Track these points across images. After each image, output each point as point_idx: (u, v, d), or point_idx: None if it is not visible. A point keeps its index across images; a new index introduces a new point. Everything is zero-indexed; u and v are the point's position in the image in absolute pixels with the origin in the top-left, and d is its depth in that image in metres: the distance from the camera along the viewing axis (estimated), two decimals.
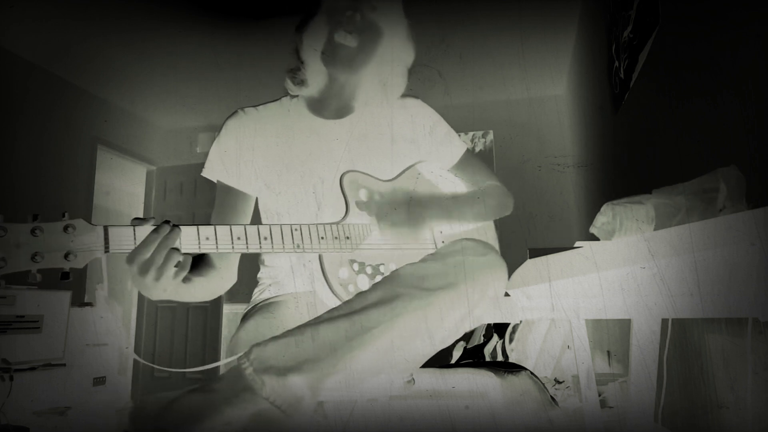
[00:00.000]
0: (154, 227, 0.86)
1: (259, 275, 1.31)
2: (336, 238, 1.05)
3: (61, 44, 3.88)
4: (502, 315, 1.10)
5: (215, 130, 1.26)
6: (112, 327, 3.93)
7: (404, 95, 1.31)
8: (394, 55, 1.23)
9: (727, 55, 1.30)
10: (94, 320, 3.72)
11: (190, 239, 0.89)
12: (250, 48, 3.90)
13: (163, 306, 5.03)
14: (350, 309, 0.89)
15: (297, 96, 1.29)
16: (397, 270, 0.96)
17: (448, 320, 0.91)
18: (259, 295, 1.28)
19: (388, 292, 0.90)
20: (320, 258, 1.05)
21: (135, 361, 5.06)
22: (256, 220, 1.29)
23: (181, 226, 0.88)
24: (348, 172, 1.16)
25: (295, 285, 1.23)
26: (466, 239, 1.02)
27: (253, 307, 1.25)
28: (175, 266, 0.89)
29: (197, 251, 0.90)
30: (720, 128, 1.35)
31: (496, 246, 1.30)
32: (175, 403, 0.80)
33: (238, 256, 1.24)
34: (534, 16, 3.55)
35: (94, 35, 3.78)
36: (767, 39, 1.09)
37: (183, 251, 0.88)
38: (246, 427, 0.78)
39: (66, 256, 0.78)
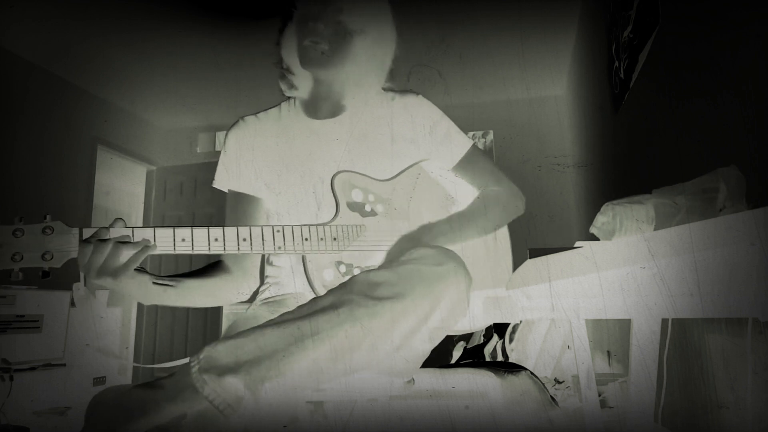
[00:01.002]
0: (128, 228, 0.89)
1: (266, 273, 1.32)
2: (321, 239, 1.04)
3: (61, 44, 3.88)
4: (502, 315, 1.10)
5: (215, 130, 1.28)
6: (111, 326, 3.94)
7: (405, 91, 1.29)
8: (373, 50, 1.22)
9: (727, 55, 1.30)
10: (94, 320, 3.73)
11: (165, 240, 0.91)
12: (250, 48, 3.90)
13: (163, 306, 5.02)
14: (300, 313, 0.88)
15: (293, 98, 1.30)
16: (354, 276, 0.94)
17: (394, 332, 0.87)
18: (262, 293, 1.29)
19: (338, 298, 0.88)
20: (303, 259, 1.04)
21: (135, 360, 5.06)
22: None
23: (157, 228, 0.91)
24: (340, 172, 1.15)
25: (295, 285, 1.23)
26: (426, 247, 0.99)
27: (255, 305, 1.25)
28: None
29: (172, 252, 0.92)
30: (720, 128, 1.35)
31: (507, 247, 1.28)
32: (124, 396, 0.81)
33: (258, 260, 1.25)
34: (534, 16, 3.55)
35: (94, 35, 3.78)
36: (767, 39, 1.09)
37: (158, 252, 0.91)
38: (187, 426, 0.79)
39: (43, 256, 0.83)
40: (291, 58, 1.22)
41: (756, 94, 1.14)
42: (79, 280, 0.95)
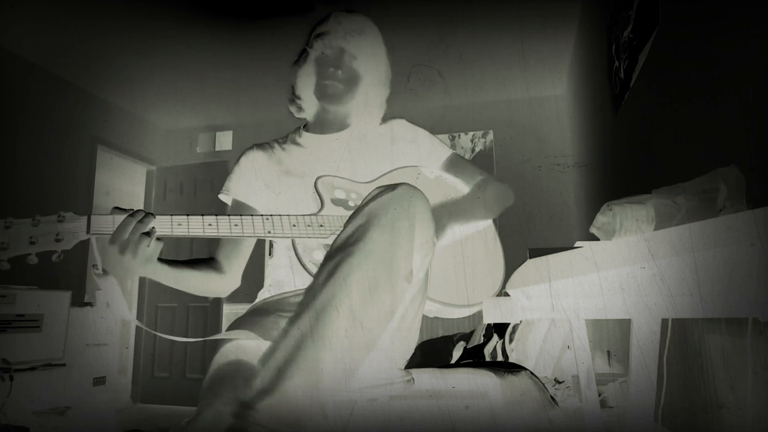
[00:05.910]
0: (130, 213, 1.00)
1: (266, 274, 1.34)
2: (309, 226, 1.11)
3: (61, 44, 3.88)
4: (502, 315, 1.10)
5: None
6: (111, 326, 3.94)
7: (390, 118, 1.43)
8: (374, 89, 1.40)
9: (727, 55, 1.30)
10: (94, 320, 3.72)
11: (164, 224, 1.03)
12: (250, 48, 3.90)
13: (163, 306, 5.03)
14: (304, 306, 0.85)
15: (301, 127, 1.43)
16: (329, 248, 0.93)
17: (394, 262, 0.87)
18: (261, 294, 1.30)
19: (329, 264, 0.87)
20: (293, 242, 1.11)
21: (135, 361, 5.07)
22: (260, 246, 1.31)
23: (156, 216, 1.04)
24: (322, 176, 1.24)
25: (295, 284, 1.24)
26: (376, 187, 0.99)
27: (252, 308, 1.26)
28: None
29: (170, 234, 1.02)
30: (720, 128, 1.35)
31: (497, 244, 1.31)
32: None
33: (245, 262, 1.32)
34: (534, 16, 3.55)
35: (94, 35, 3.78)
36: (767, 39, 1.09)
37: (158, 234, 1.02)
38: None
39: (56, 237, 0.96)
40: (305, 88, 1.41)
41: (756, 94, 1.14)
42: (95, 261, 1.03)
